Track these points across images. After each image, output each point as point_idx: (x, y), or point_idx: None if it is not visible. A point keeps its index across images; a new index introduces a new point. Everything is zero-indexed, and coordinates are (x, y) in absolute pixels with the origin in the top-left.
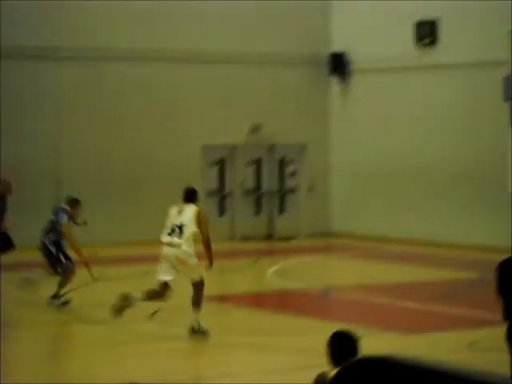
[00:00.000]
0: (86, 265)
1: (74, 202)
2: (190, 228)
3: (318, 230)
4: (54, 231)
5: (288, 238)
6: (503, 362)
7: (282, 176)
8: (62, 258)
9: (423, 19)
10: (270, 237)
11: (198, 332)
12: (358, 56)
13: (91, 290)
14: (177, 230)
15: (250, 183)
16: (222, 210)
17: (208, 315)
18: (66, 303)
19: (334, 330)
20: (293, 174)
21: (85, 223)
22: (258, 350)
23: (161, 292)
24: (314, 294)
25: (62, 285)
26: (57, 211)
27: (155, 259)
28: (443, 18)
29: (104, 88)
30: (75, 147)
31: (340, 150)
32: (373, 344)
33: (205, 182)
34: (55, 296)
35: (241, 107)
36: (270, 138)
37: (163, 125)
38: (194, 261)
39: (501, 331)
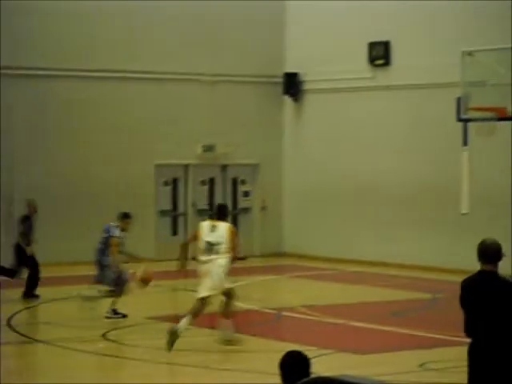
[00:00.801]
0: (142, 280)
1: (124, 216)
2: (226, 245)
3: (271, 250)
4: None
5: (241, 258)
6: (452, 383)
7: (235, 196)
8: (114, 275)
9: (376, 40)
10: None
11: (175, 334)
12: (311, 76)
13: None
14: (213, 247)
15: (203, 203)
16: (174, 230)
17: (161, 335)
18: (122, 316)
19: (286, 351)
20: (246, 193)
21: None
22: (209, 370)
23: (202, 307)
24: (265, 314)
25: (115, 300)
26: (108, 228)
27: None
28: (396, 39)
29: (57, 107)
30: (27, 166)
31: (293, 169)
32: (325, 364)
33: (158, 202)
34: (114, 313)
35: (194, 127)
36: (223, 157)
37: (116, 144)
38: (221, 276)
39: (451, 351)
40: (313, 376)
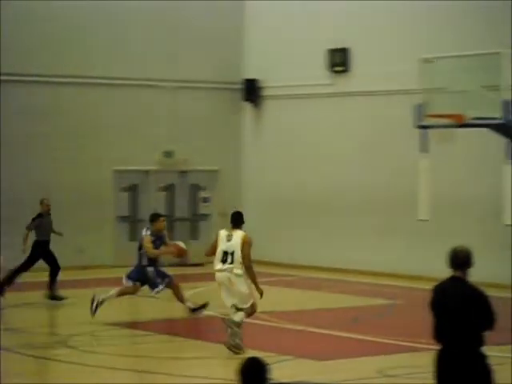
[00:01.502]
0: (178, 255)
1: (154, 217)
2: (239, 254)
3: None
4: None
5: (200, 265)
6: None
7: (194, 202)
8: (154, 278)
9: (335, 47)
10: (181, 263)
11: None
12: (271, 82)
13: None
14: (228, 256)
15: (163, 209)
16: (133, 236)
17: (118, 341)
18: (200, 308)
19: (246, 357)
20: (205, 199)
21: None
22: (170, 376)
23: (253, 310)
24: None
25: (181, 300)
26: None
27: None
28: (355, 46)
29: (15, 112)
30: None
31: (253, 176)
32: (284, 370)
33: (116, 208)
34: (194, 310)
35: (154, 133)
36: (182, 163)
37: (75, 150)
38: (245, 289)
39: (410, 357)
40: (272, 383)
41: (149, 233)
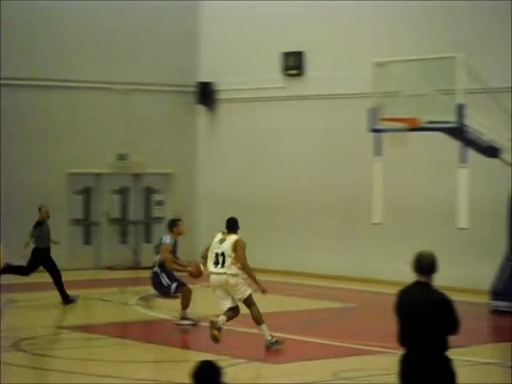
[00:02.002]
0: (194, 276)
1: (174, 222)
2: (231, 256)
3: (184, 259)
4: (158, 256)
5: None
6: None
7: (148, 205)
8: (166, 282)
9: (290, 50)
10: (135, 266)
11: (274, 344)
12: (225, 85)
13: None
14: (220, 258)
15: (116, 212)
16: (87, 239)
17: (72, 345)
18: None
19: (199, 360)
20: (159, 203)
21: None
22: (121, 380)
23: (235, 312)
24: (178, 324)
25: (183, 306)
26: (161, 238)
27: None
28: (309, 50)
29: None
30: None
31: (207, 179)
32: (238, 374)
33: (70, 211)
34: (183, 318)
35: (108, 135)
36: (136, 166)
37: (28, 152)
38: (239, 281)
39: (364, 360)
40: None
41: (168, 241)
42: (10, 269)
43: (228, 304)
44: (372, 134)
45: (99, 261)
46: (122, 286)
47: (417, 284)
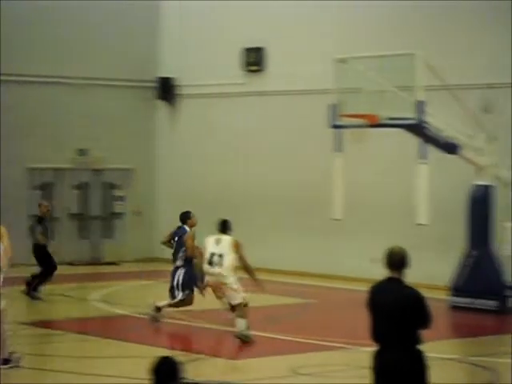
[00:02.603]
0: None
1: (187, 215)
2: (229, 256)
3: (144, 255)
4: (182, 249)
5: (114, 263)
6: None
7: (108, 200)
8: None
9: (250, 46)
10: (95, 261)
11: (246, 336)
12: (185, 81)
13: None
14: (217, 258)
15: (76, 207)
16: (47, 234)
17: (31, 340)
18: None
19: (158, 356)
20: (120, 198)
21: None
22: (82, 376)
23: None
24: (138, 319)
25: (171, 304)
26: (177, 232)
27: None
28: (270, 46)
29: None
30: None
31: (167, 174)
32: (198, 370)
33: (29, 206)
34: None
35: (68, 131)
36: (96, 162)
37: None
38: (235, 286)
39: (324, 356)
40: (185, 382)
41: (189, 230)
42: (36, 278)
43: (227, 302)
44: (332, 130)
45: (59, 256)
46: (82, 281)
47: (388, 280)
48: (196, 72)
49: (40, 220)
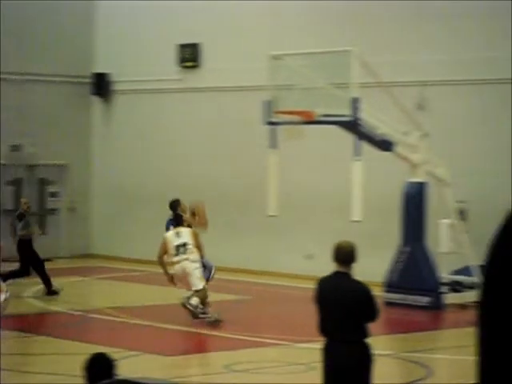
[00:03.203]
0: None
1: (176, 202)
2: (192, 245)
3: (79, 251)
4: None
5: (47, 259)
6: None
7: (42, 196)
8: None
9: (186, 42)
10: None
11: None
12: (121, 77)
13: None
14: (181, 249)
15: (10, 203)
16: None
17: None
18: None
19: (92, 353)
20: (54, 194)
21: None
22: (16, 373)
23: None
24: (72, 316)
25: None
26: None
27: None
28: (206, 42)
29: None
30: None
31: (102, 170)
32: (131, 366)
33: None
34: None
35: (1, 126)
36: (30, 157)
37: None
38: (198, 273)
39: (256, 352)
40: (118, 379)
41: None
42: (11, 275)
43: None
44: (267, 126)
45: None
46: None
47: (336, 274)
48: (131, 68)
49: (21, 216)
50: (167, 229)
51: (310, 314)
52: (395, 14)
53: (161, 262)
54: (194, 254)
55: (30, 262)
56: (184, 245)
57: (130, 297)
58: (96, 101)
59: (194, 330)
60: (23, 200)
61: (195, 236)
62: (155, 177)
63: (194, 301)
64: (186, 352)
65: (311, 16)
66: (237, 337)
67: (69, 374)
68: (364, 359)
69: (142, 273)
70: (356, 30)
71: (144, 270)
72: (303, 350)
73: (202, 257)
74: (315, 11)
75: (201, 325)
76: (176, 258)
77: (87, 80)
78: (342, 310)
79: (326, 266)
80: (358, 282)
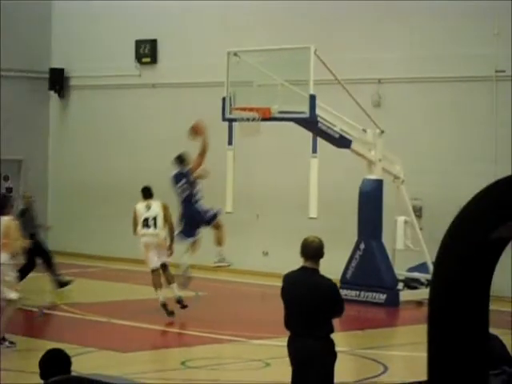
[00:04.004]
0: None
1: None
2: (162, 218)
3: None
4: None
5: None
6: (214, 379)
7: None
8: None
9: (143, 38)
10: None
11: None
12: (78, 72)
13: None
14: (151, 222)
15: None
16: None
17: None
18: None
19: (47, 349)
20: (9, 189)
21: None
22: None
23: (158, 278)
24: (28, 312)
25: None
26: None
27: None
28: (163, 38)
29: None
30: None
31: (58, 166)
32: (87, 362)
33: None
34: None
35: None
36: None
37: None
38: (166, 242)
39: (213, 349)
40: (73, 375)
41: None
42: (21, 273)
43: (160, 261)
44: (225, 123)
45: None
46: None
47: (303, 269)
48: (88, 63)
49: (24, 210)
50: (176, 182)
51: (267, 311)
52: (353, 11)
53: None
54: (162, 229)
55: (37, 255)
56: (154, 218)
57: (86, 293)
58: (52, 96)
59: (150, 326)
60: (26, 194)
61: (165, 209)
62: (112, 173)
63: (184, 265)
64: (142, 348)
65: (269, 13)
66: (193, 333)
67: (24, 371)
68: (329, 354)
69: (98, 269)
70: (313, 27)
71: (100, 266)
72: (259, 346)
73: (171, 230)
74: (273, 8)
75: (156, 321)
76: (144, 231)
77: (45, 75)
78: (309, 306)
79: (283, 263)
80: (326, 278)
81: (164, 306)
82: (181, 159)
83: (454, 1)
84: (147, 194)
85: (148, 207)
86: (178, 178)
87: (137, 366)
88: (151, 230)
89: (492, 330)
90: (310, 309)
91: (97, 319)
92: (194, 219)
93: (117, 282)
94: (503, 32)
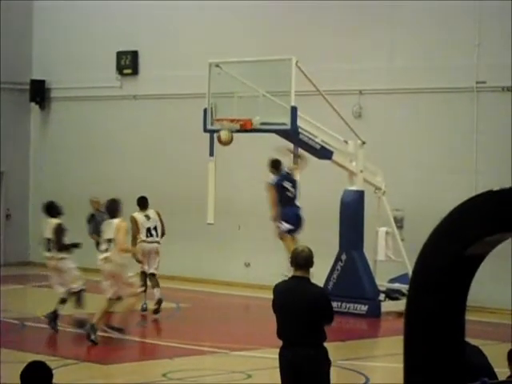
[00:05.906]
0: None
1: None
2: (160, 227)
3: (15, 259)
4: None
5: None
6: None
7: None
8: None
9: (124, 49)
10: None
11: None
12: (59, 84)
13: None
14: (153, 232)
15: None
16: None
17: None
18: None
19: (29, 361)
20: None
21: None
22: None
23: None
24: (8, 324)
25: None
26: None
27: None
28: (144, 50)
29: None
30: None
31: (39, 178)
32: (69, 375)
33: None
34: None
35: None
36: None
37: None
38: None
39: (194, 360)
40: None
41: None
42: None
43: (152, 268)
44: (207, 134)
45: None
46: None
47: (294, 278)
48: (70, 75)
49: (91, 217)
50: (278, 186)
51: (248, 322)
52: (334, 23)
53: (134, 244)
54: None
55: None
56: (155, 228)
57: (67, 305)
58: (34, 108)
59: (131, 338)
60: (94, 199)
61: (159, 216)
62: (93, 184)
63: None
64: (123, 360)
65: (250, 24)
66: (175, 345)
67: (5, 383)
68: (324, 361)
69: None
70: (295, 38)
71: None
72: (240, 357)
73: (163, 235)
74: (254, 20)
75: (138, 333)
76: (149, 239)
77: (25, 87)
78: (301, 315)
79: (264, 275)
80: (317, 286)
81: (159, 301)
82: (277, 165)
83: (435, 12)
84: (145, 203)
85: (147, 217)
86: (284, 180)
87: (118, 378)
88: (155, 238)
89: (492, 343)
90: (304, 317)
91: (78, 331)
92: (298, 216)
93: (98, 294)
94: (484, 43)
